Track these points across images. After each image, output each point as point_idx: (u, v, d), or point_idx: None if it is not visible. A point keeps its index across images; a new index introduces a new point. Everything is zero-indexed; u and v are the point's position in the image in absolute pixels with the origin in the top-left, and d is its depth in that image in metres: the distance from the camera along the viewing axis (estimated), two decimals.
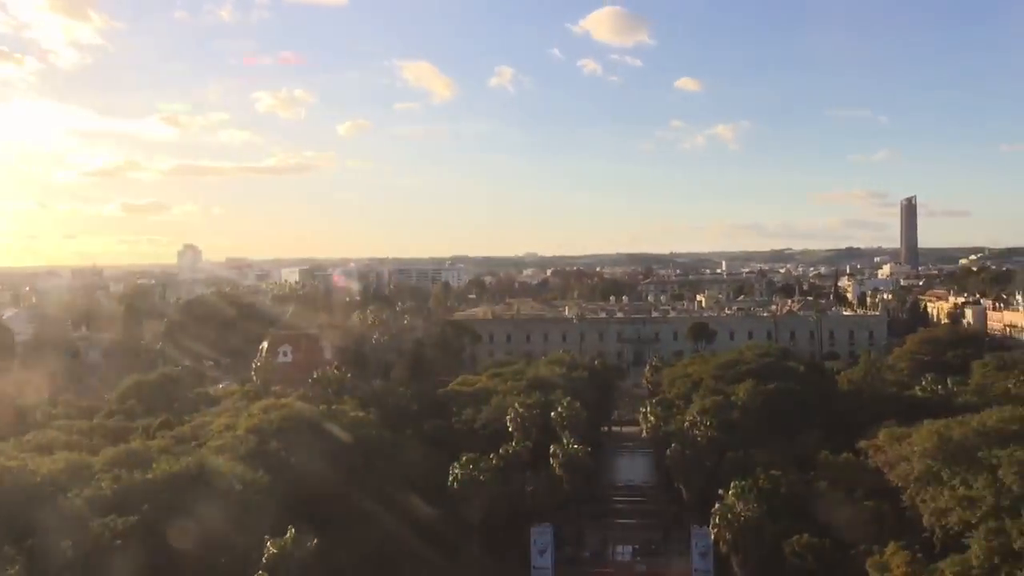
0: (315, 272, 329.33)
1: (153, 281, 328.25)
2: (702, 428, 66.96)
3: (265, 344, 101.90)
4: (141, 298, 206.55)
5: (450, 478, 57.54)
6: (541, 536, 62.72)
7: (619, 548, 68.42)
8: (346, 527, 47.10)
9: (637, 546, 68.14)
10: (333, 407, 66.69)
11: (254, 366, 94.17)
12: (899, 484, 54.73)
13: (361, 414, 65.85)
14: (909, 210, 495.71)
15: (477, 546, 59.21)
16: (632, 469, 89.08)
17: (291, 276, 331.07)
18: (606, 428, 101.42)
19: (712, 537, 54.15)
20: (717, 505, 52.71)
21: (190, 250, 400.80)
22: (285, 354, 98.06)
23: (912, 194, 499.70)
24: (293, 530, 39.45)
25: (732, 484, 52.72)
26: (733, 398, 74.78)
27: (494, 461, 67.08)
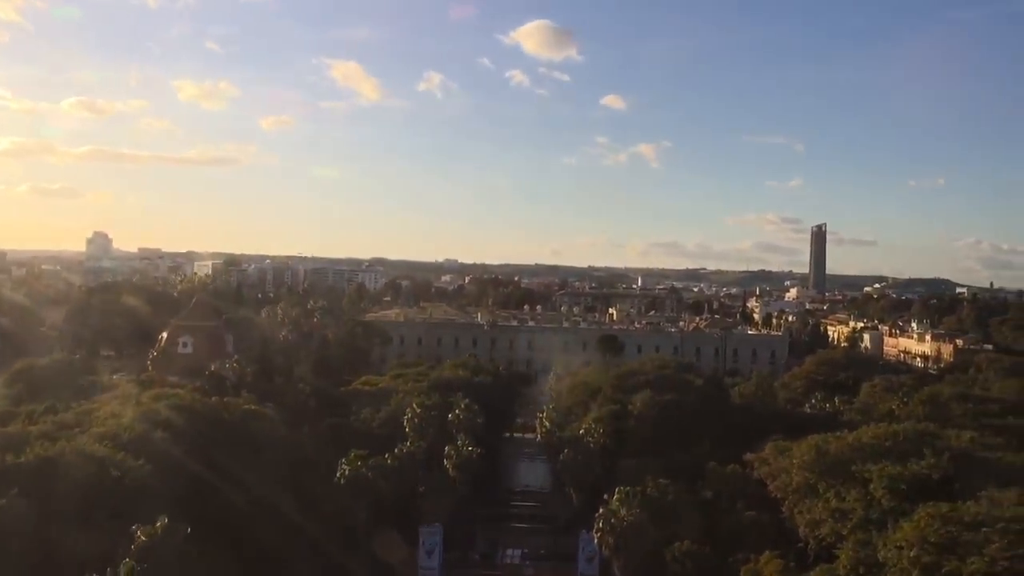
0: (229, 267, 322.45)
1: (59, 267, 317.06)
2: (595, 435, 67.91)
3: (165, 335, 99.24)
4: (43, 284, 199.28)
5: (338, 474, 56.96)
6: (430, 536, 62.63)
7: (509, 551, 68.91)
8: (224, 520, 46.19)
9: (526, 550, 68.68)
10: (226, 399, 65.31)
11: (151, 355, 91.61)
12: (779, 495, 56.47)
13: (255, 407, 64.64)
14: (819, 237, 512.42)
15: (365, 545, 58.83)
16: (530, 475, 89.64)
17: (204, 269, 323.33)
18: (508, 434, 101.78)
19: (596, 542, 54.91)
20: (601, 510, 53.49)
21: (100, 237, 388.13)
22: (185, 345, 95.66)
23: (823, 221, 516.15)
24: (165, 519, 38.49)
25: (617, 490, 53.59)
26: (629, 407, 76.00)
27: (388, 460, 66.97)
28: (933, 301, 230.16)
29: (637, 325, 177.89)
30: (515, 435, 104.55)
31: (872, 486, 49.00)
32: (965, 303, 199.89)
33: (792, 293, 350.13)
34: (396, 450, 66.49)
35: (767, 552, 49.71)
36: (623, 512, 51.69)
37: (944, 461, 49.65)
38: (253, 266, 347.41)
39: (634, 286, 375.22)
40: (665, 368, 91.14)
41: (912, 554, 40.03)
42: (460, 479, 65.70)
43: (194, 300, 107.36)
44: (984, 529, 40.03)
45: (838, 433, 57.60)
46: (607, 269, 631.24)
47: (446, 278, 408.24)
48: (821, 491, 52.19)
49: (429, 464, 67.89)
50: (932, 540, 40.13)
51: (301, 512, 53.26)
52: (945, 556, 39.17)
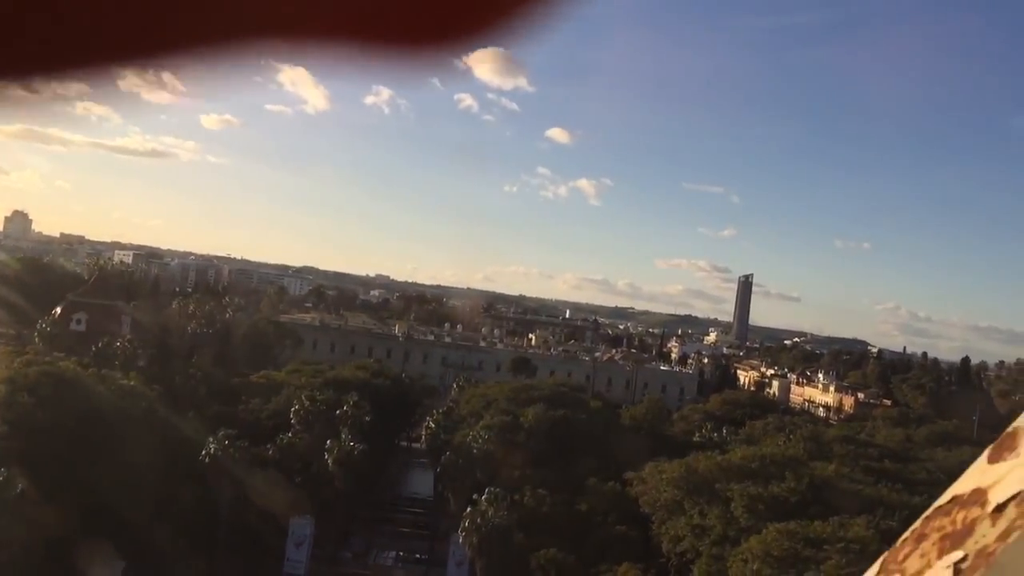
0: (150, 258, 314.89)
1: None
2: (479, 442, 67.87)
3: (59, 309, 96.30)
4: None
5: (203, 452, 55.87)
6: (299, 528, 61.69)
7: (383, 553, 68.16)
8: (71, 485, 44.96)
9: (401, 552, 68.04)
10: (103, 371, 63.67)
11: (38, 328, 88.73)
12: (649, 511, 57.19)
13: (134, 383, 63.13)
14: (745, 287, 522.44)
15: (232, 534, 57.64)
16: (420, 482, 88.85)
17: (124, 259, 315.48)
18: (405, 443, 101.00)
19: (461, 541, 54.82)
20: (469, 510, 53.45)
21: (20, 216, 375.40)
22: (79, 322, 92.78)
23: (751, 272, 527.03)
24: (4, 471, 37.33)
25: (487, 490, 53.63)
26: (522, 419, 76.19)
27: (270, 452, 66.16)
28: (845, 356, 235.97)
29: (553, 351, 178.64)
30: (413, 446, 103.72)
31: (733, 504, 49.98)
32: (871, 359, 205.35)
33: (712, 337, 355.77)
34: (277, 440, 65.68)
35: (626, 564, 50.24)
36: (490, 513, 51.71)
37: (803, 486, 50.90)
38: (176, 261, 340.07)
39: (561, 318, 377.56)
40: (562, 387, 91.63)
41: (755, 567, 40.89)
42: (339, 474, 64.88)
43: (94, 277, 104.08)
44: (826, 547, 41.14)
45: (709, 453, 58.57)
46: (538, 300, 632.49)
47: (375, 292, 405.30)
48: (686, 508, 53.04)
49: (310, 457, 66.95)
50: (775, 554, 41.07)
51: (164, 488, 52.17)
52: (785, 569, 40.10)
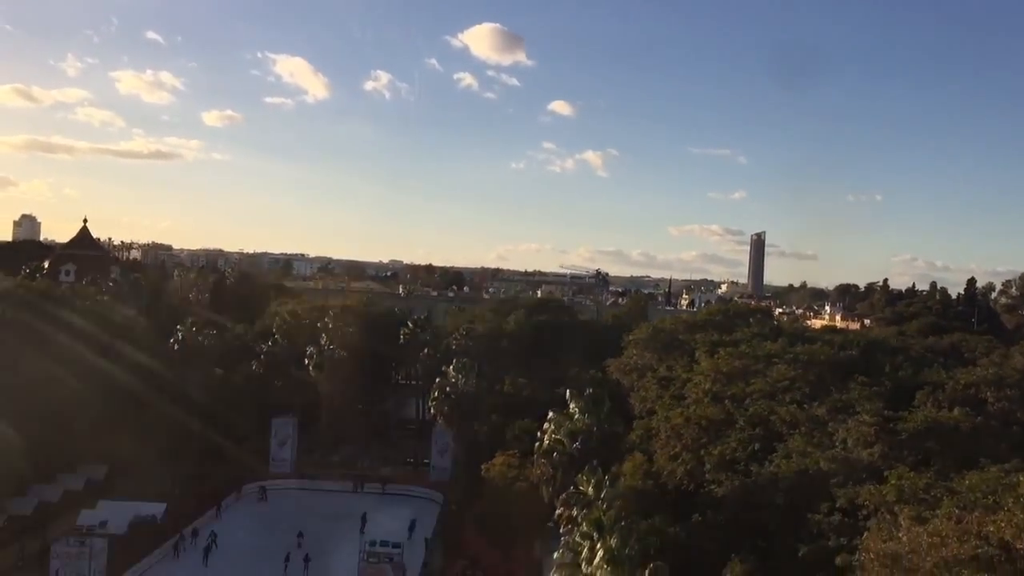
0: (159, 249, 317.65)
1: None
2: (464, 347, 68.35)
3: (47, 263, 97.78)
4: None
5: (171, 339, 56.66)
6: (282, 427, 62.51)
7: (372, 460, 68.44)
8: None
9: (388, 456, 68.71)
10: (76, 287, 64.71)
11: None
12: (623, 380, 57.51)
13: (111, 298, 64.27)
14: (758, 245, 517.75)
15: (213, 431, 58.35)
16: (414, 411, 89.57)
17: (136, 255, 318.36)
18: (404, 380, 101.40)
19: (431, 410, 55.39)
20: (438, 380, 54.02)
21: (28, 220, 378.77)
22: (68, 274, 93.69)
23: (763, 230, 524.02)
24: None
25: (454, 361, 54.17)
26: (504, 326, 76.79)
27: (254, 367, 66.98)
28: (853, 289, 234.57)
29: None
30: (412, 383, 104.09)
31: (697, 352, 50.29)
32: (878, 290, 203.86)
33: (723, 288, 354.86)
34: (259, 348, 66.63)
35: None
36: (459, 381, 52.24)
37: (766, 329, 51.17)
38: (186, 251, 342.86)
39: (569, 276, 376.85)
40: (548, 299, 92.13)
41: (706, 385, 41.23)
42: (320, 379, 65.69)
43: (79, 230, 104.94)
44: (775, 360, 41.44)
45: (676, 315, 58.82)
46: (553, 274, 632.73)
47: (388, 273, 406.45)
48: (654, 366, 53.38)
49: (290, 364, 67.86)
50: (724, 370, 41.39)
51: (138, 381, 52.93)
52: (734, 382, 40.42)
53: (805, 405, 36.41)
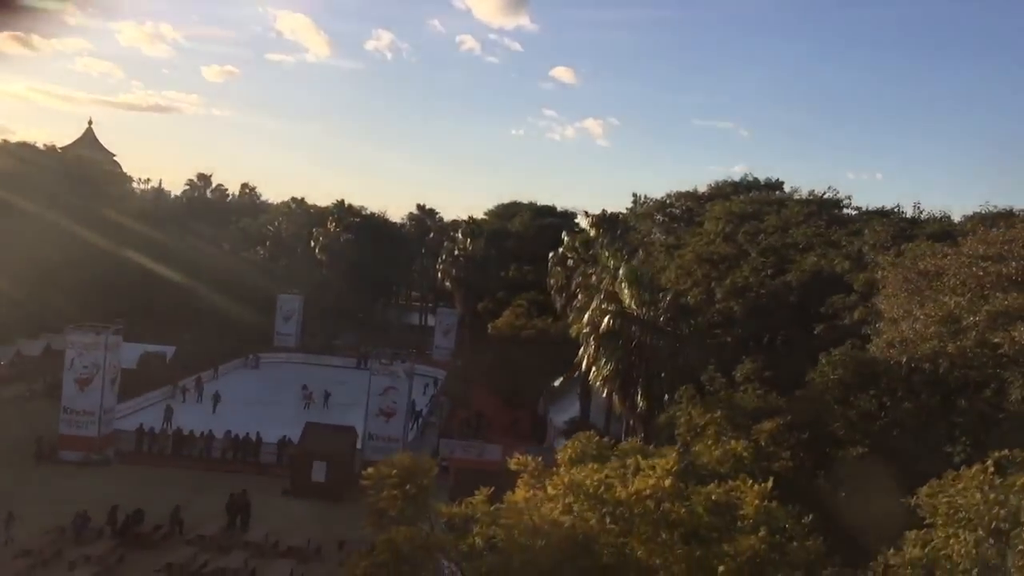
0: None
1: None
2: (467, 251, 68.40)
3: None
4: None
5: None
6: (287, 303, 62.69)
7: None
8: None
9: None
10: None
11: None
12: None
13: None
14: None
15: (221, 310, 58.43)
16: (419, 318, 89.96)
17: None
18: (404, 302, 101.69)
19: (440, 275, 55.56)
20: (445, 243, 54.17)
21: None
22: None
23: None
24: None
25: (463, 223, 54.32)
26: (509, 226, 76.81)
27: (259, 251, 66.86)
28: None
29: None
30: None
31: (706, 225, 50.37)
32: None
33: None
34: (266, 231, 66.65)
35: None
36: (467, 244, 52.43)
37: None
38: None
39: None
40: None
41: (718, 228, 41.29)
42: (326, 260, 65.76)
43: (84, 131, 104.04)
44: (787, 203, 41.59)
45: None
46: None
47: None
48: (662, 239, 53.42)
49: (295, 244, 67.93)
50: (736, 211, 41.50)
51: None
52: (747, 220, 40.55)
53: (821, 234, 36.51)
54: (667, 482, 13.63)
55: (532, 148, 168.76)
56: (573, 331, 26.31)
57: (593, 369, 26.60)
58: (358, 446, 35.41)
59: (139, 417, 39.47)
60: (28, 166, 57.79)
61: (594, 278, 27.70)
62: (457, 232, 56.43)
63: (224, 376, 53.84)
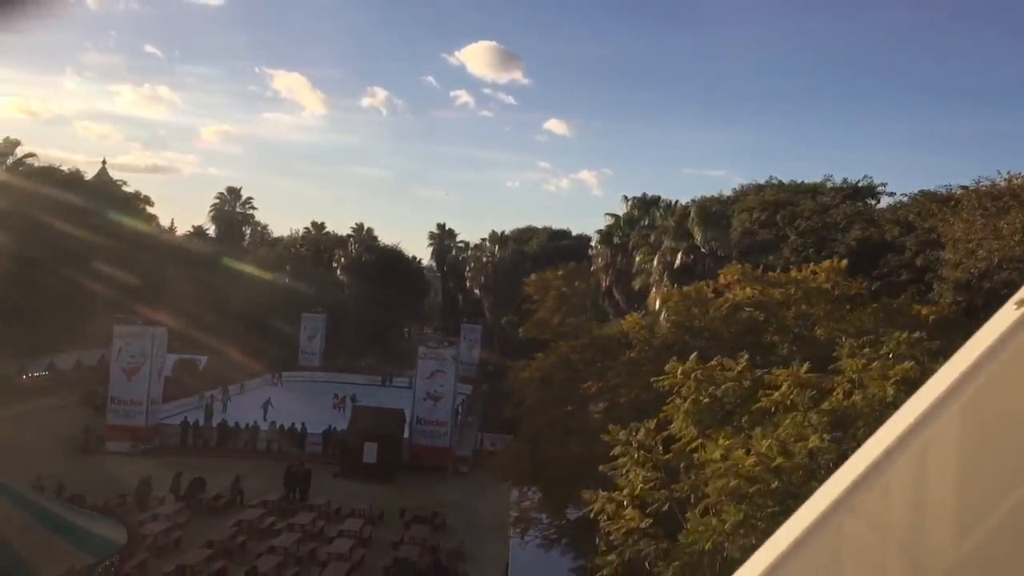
0: None
1: None
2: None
3: None
4: None
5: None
6: (312, 321, 62.69)
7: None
8: None
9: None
10: None
11: None
12: None
13: None
14: None
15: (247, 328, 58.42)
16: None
17: None
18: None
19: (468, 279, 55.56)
20: (471, 249, 54.19)
21: None
22: None
23: None
24: None
25: (490, 232, 54.40)
26: (526, 249, 77.24)
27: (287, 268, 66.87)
28: None
29: None
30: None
31: None
32: None
33: None
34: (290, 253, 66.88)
35: None
36: (495, 250, 52.72)
37: None
38: None
39: None
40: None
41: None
42: (348, 281, 65.89)
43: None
44: None
45: None
46: None
47: None
48: None
49: (317, 265, 68.12)
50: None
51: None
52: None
53: None
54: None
55: (528, 200, 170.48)
56: (637, 283, 26.34)
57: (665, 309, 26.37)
58: (405, 434, 35.19)
59: (179, 419, 39.21)
60: (63, 188, 57.86)
61: (652, 237, 27.87)
62: (478, 251, 56.67)
63: (251, 391, 53.53)
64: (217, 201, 66.07)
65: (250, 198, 72.00)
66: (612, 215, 40.23)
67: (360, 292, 67.01)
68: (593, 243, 41.32)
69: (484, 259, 52.93)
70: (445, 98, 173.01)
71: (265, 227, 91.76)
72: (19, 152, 52.65)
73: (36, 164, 53.60)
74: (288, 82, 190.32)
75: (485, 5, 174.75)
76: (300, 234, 72.99)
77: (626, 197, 40.06)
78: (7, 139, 51.66)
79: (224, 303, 56.32)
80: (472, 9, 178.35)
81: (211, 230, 74.24)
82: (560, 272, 22.50)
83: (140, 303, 50.46)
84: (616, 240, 36.74)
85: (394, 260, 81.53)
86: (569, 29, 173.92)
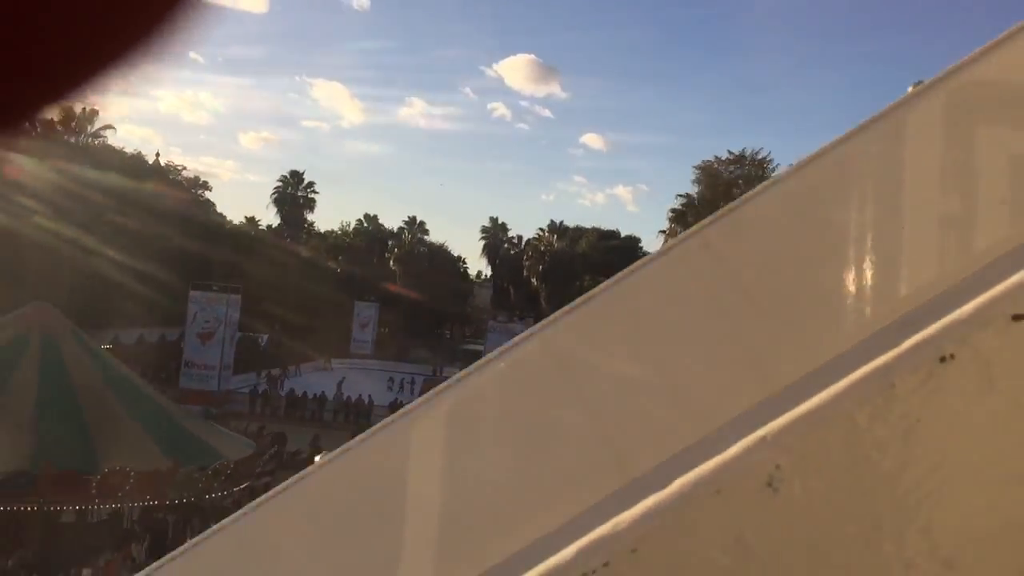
0: None
1: None
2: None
3: None
4: None
5: None
6: (364, 310, 63.39)
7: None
8: None
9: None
10: None
11: None
12: None
13: None
14: None
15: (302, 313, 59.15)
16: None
17: None
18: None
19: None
20: (527, 240, 54.53)
21: None
22: None
23: None
24: None
25: (548, 222, 54.75)
26: (576, 247, 77.53)
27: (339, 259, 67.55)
28: None
29: None
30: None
31: None
32: None
33: None
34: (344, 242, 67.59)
35: None
36: (554, 240, 52.98)
37: None
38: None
39: None
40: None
41: None
42: (399, 272, 66.48)
43: None
44: None
45: None
46: None
47: None
48: None
49: (370, 256, 68.81)
50: None
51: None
52: None
53: None
54: None
55: (563, 213, 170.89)
56: None
57: None
58: None
59: (245, 390, 39.90)
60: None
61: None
62: (536, 241, 56.75)
63: (306, 375, 54.15)
64: (280, 184, 66.77)
65: (312, 183, 72.01)
66: (683, 195, 40.54)
67: (412, 283, 67.69)
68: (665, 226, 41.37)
69: (542, 248, 53.27)
70: (483, 111, 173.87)
71: (312, 224, 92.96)
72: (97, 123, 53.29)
73: (107, 143, 54.49)
74: (327, 90, 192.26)
75: (526, 18, 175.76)
76: (351, 227, 73.67)
77: (696, 168, 39.91)
78: (85, 109, 52.49)
79: (282, 286, 57.08)
80: (513, 20, 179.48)
81: (273, 213, 74.69)
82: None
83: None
84: (689, 219, 36.91)
85: (442, 258, 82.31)
86: (606, 41, 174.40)
